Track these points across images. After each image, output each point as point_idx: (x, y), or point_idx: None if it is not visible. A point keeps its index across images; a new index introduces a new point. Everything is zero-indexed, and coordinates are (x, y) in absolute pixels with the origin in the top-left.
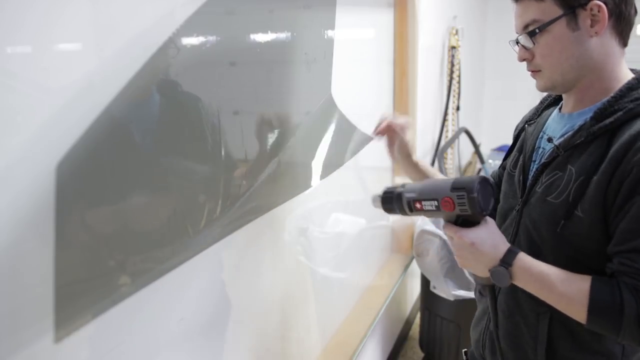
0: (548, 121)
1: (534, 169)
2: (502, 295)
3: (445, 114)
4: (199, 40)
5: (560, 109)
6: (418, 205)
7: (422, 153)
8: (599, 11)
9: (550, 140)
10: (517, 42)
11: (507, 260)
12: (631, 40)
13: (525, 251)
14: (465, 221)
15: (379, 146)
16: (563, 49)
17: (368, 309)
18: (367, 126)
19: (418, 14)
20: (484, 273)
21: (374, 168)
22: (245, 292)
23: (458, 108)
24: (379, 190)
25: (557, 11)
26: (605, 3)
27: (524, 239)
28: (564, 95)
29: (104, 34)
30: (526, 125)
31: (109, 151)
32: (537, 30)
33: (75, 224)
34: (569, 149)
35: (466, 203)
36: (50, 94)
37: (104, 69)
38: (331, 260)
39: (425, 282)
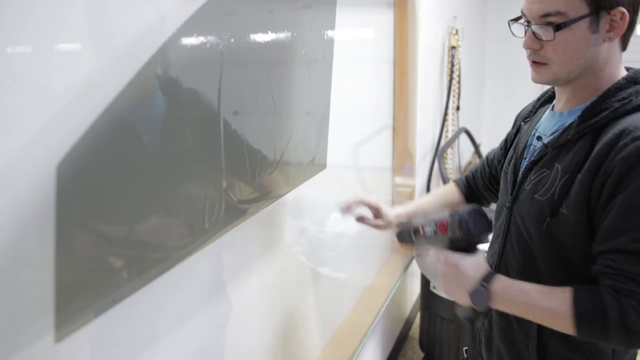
0: (541, 119)
1: (524, 167)
2: None
3: (445, 114)
4: (199, 40)
5: (553, 107)
6: (421, 231)
7: (422, 153)
8: (621, 18)
9: (539, 138)
10: (527, 27)
11: (486, 280)
12: (631, 40)
13: (515, 248)
14: (460, 249)
15: (379, 146)
16: (578, 49)
17: (368, 309)
18: (367, 126)
19: (418, 14)
20: (465, 298)
21: (374, 168)
22: (245, 292)
23: (458, 108)
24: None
25: (585, 9)
26: (627, 11)
27: (514, 236)
28: (557, 93)
29: (104, 34)
30: (522, 124)
31: (109, 151)
32: (563, 25)
33: (75, 224)
34: (557, 147)
35: (456, 224)
36: (50, 94)
37: (104, 69)
38: (331, 260)
39: (425, 282)
